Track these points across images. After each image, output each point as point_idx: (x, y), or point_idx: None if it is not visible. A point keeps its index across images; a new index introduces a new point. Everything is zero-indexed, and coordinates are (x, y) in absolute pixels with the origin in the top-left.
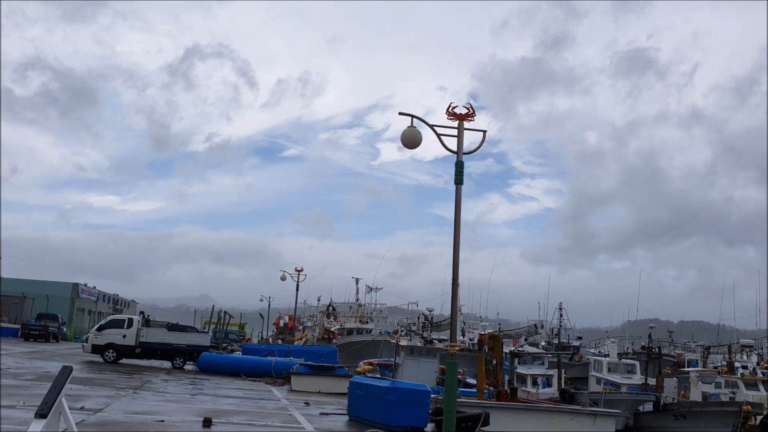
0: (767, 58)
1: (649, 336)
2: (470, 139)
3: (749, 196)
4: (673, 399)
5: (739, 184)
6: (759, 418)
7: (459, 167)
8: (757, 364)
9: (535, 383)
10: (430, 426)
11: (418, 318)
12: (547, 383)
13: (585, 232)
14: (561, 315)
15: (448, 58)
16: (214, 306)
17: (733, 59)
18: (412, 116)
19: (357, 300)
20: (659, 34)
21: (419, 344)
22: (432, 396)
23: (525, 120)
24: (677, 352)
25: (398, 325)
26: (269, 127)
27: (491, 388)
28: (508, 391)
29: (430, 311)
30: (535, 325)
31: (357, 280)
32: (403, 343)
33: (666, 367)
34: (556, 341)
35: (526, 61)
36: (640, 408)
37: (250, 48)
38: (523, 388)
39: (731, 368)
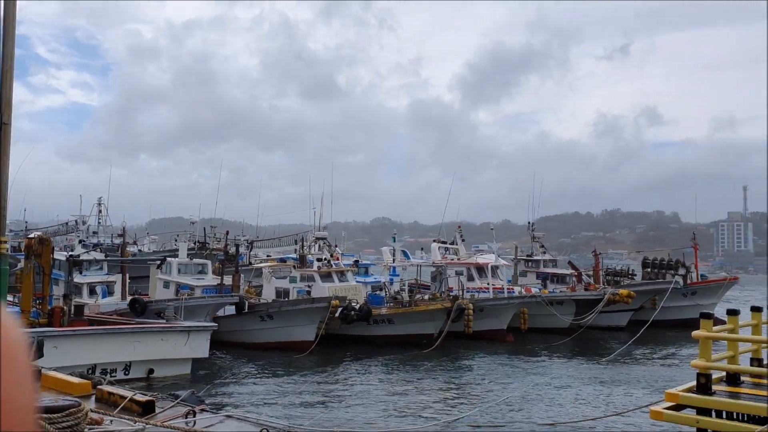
0: None
1: (226, 233)
2: None
3: (291, 107)
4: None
5: (284, 94)
6: (339, 309)
7: None
8: (331, 255)
9: (93, 293)
10: None
11: None
12: (109, 291)
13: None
14: (100, 211)
15: None
16: None
17: None
18: None
19: None
20: None
21: None
22: None
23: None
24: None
25: None
26: None
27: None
28: (65, 309)
29: None
30: (76, 221)
31: None
32: None
33: (216, 262)
34: (95, 241)
35: None
36: (220, 312)
37: None
38: (77, 299)
39: (303, 261)
